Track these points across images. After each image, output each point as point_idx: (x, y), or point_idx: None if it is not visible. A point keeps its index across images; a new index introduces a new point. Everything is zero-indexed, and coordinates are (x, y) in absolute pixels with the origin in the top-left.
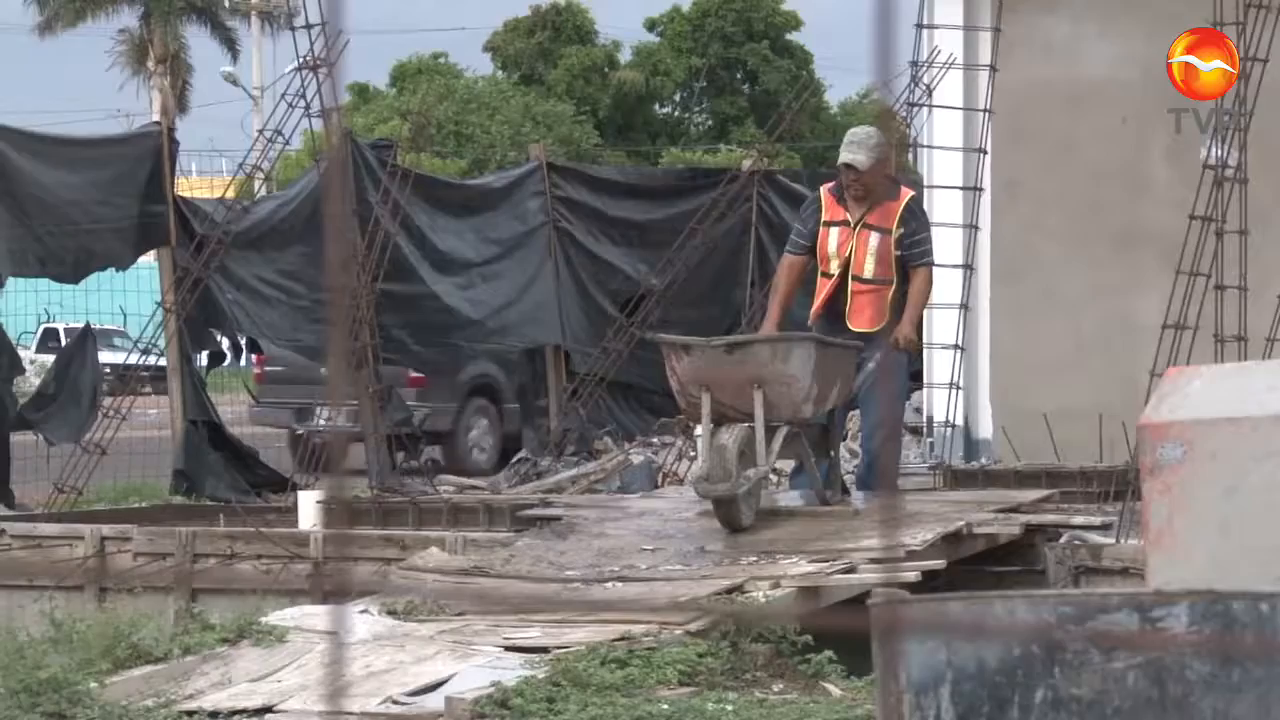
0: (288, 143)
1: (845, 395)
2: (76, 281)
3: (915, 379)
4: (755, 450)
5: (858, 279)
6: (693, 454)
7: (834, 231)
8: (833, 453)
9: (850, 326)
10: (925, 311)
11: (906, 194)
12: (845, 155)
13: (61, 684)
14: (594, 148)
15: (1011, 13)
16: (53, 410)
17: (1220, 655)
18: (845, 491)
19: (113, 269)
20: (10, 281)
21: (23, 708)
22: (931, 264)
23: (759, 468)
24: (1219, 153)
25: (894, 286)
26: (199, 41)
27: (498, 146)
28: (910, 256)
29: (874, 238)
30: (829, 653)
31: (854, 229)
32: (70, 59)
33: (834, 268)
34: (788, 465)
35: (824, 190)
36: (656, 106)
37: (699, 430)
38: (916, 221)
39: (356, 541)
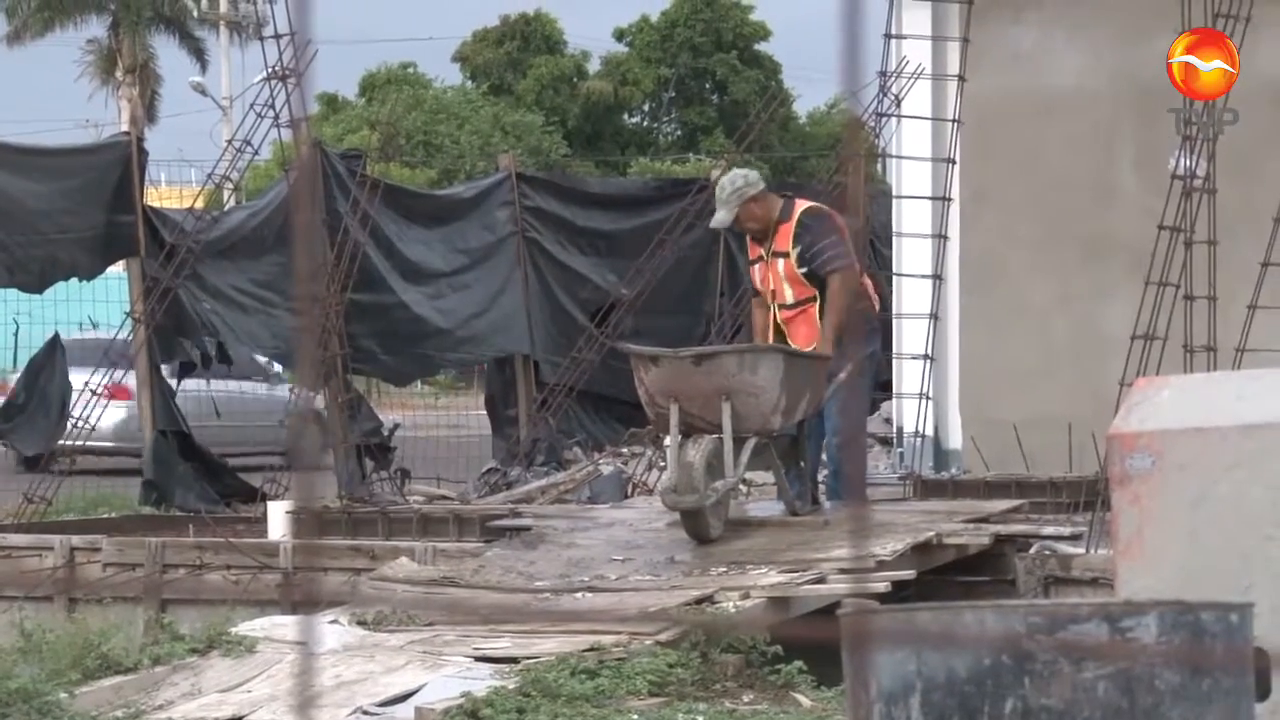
0: (256, 153)
1: (815, 406)
2: (41, 291)
3: (884, 389)
4: (723, 461)
5: (783, 306)
6: (662, 464)
7: (755, 269)
8: (802, 463)
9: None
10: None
11: (799, 208)
12: (712, 221)
13: (31, 694)
14: (563, 158)
15: (980, 23)
16: (21, 420)
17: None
18: (815, 502)
19: (79, 278)
20: None
21: None
22: (840, 268)
23: (727, 479)
24: (1187, 163)
25: (819, 300)
26: (167, 51)
27: (467, 156)
28: (816, 266)
29: (780, 263)
30: (799, 663)
31: (767, 260)
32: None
33: (768, 300)
34: (758, 476)
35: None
36: (625, 116)
37: (668, 440)
38: (810, 233)
39: (326, 551)
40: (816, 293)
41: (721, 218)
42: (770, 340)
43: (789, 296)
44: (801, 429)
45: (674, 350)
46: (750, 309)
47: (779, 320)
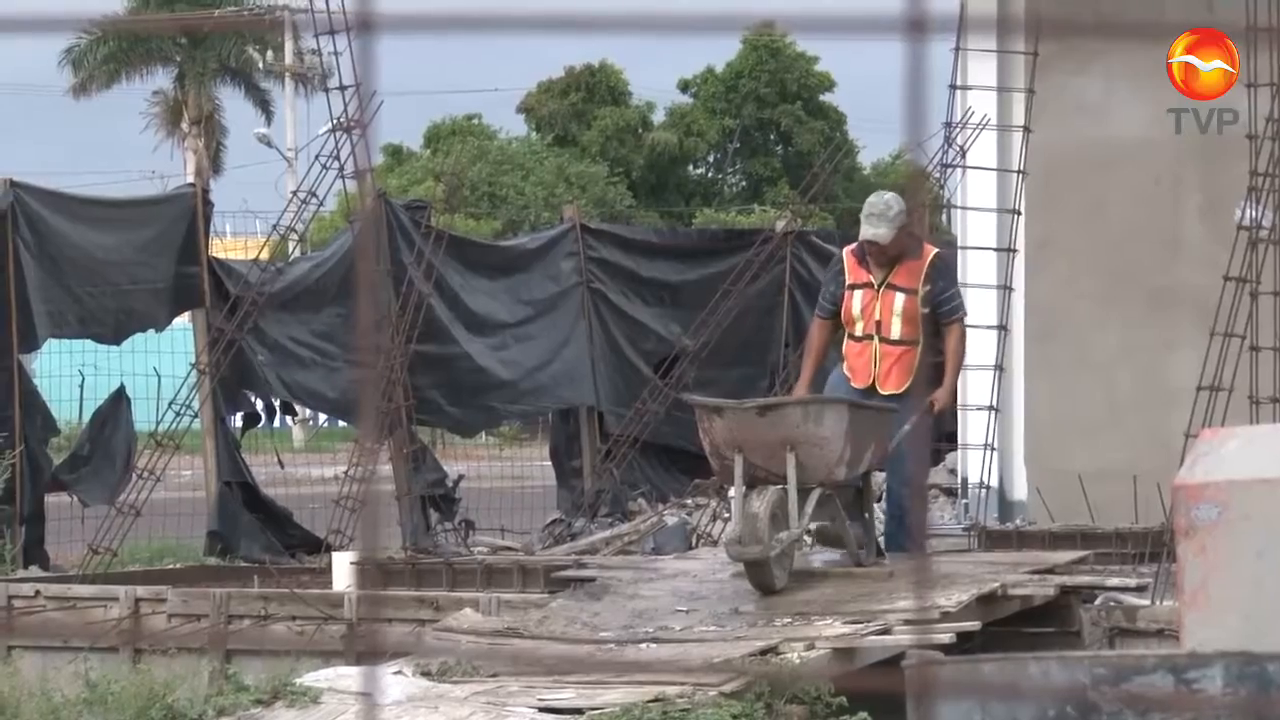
0: (321, 204)
1: (880, 458)
2: (118, 343)
3: (950, 439)
4: (788, 513)
5: (885, 340)
6: (726, 515)
7: (858, 294)
8: (866, 514)
9: (880, 389)
10: (960, 372)
11: (930, 251)
12: (867, 230)
13: None
14: (627, 209)
15: (1045, 74)
16: (87, 471)
17: (1256, 716)
18: (880, 554)
19: (155, 330)
20: (47, 343)
21: None
22: (964, 318)
23: (791, 530)
24: (1253, 213)
25: (920, 345)
26: (233, 103)
27: (531, 207)
28: (942, 313)
29: (899, 298)
30: (864, 714)
31: (878, 290)
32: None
33: (859, 330)
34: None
35: (846, 252)
36: (690, 167)
37: (732, 491)
38: (944, 279)
39: (390, 603)
40: (921, 338)
41: (883, 234)
42: (873, 370)
43: (896, 332)
44: (867, 480)
45: (738, 401)
46: (804, 345)
47: (878, 352)
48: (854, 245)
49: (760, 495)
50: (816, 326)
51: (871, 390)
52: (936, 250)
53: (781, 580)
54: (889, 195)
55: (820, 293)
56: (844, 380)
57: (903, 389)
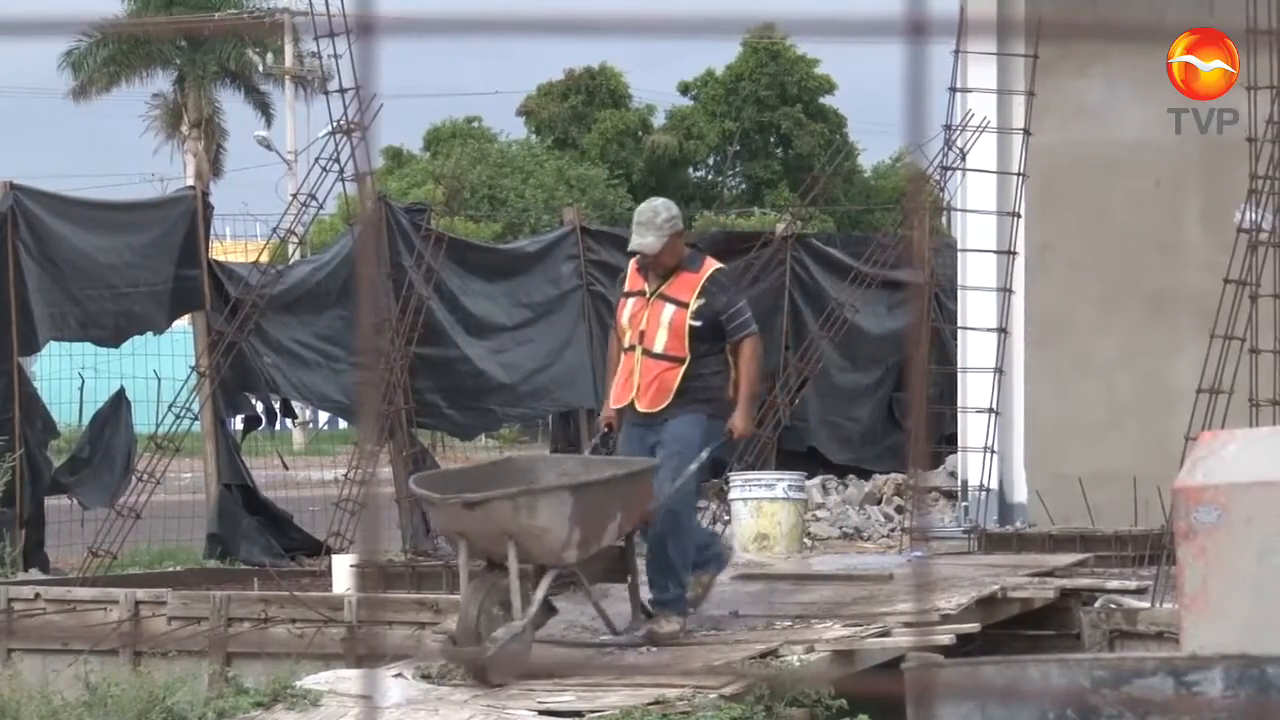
0: (321, 207)
1: (639, 519)
2: (117, 345)
3: (950, 442)
4: (524, 596)
5: (648, 353)
6: (726, 518)
7: (630, 303)
8: (630, 577)
9: (637, 406)
10: (757, 392)
11: (711, 265)
12: (634, 240)
13: None
14: (627, 211)
15: (1045, 77)
16: (87, 474)
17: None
18: (647, 614)
19: (155, 333)
20: (46, 346)
21: None
22: (754, 334)
23: (515, 623)
24: (1253, 216)
25: (686, 365)
26: (233, 106)
27: (531, 210)
28: (731, 329)
29: (668, 309)
30: (864, 717)
31: (649, 300)
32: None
33: (627, 340)
34: (820, 529)
35: (632, 262)
36: (690, 170)
37: (734, 494)
38: (725, 294)
39: (390, 605)
40: (688, 357)
41: (650, 243)
42: (634, 384)
43: (660, 345)
44: (630, 541)
45: (444, 495)
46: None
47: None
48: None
49: (480, 585)
50: (611, 344)
51: (629, 408)
52: (718, 265)
53: (508, 673)
54: (659, 202)
55: None
56: (625, 429)
57: (657, 409)
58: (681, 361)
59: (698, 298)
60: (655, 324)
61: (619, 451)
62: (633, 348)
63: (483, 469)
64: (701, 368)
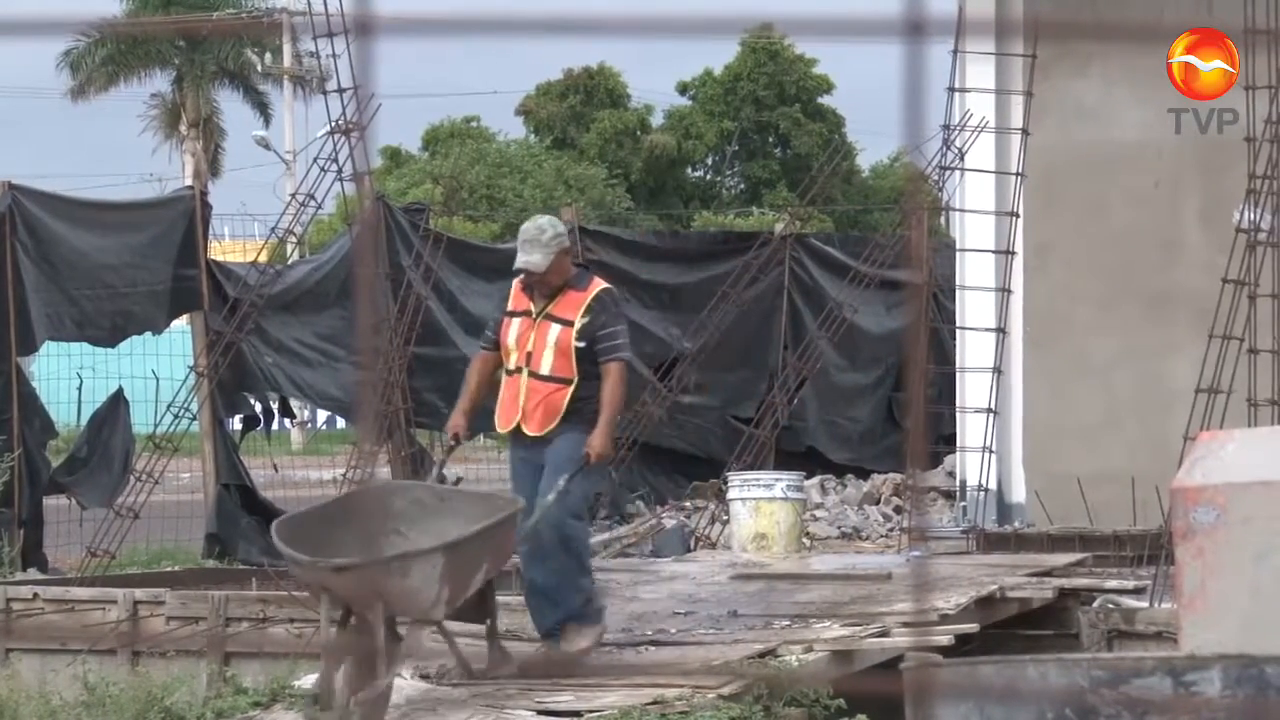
0: (320, 207)
1: (502, 563)
2: (113, 345)
3: (948, 442)
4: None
5: (535, 375)
6: (725, 518)
7: (515, 323)
8: (489, 620)
9: (525, 430)
10: (617, 417)
11: (597, 285)
12: (520, 258)
13: None
14: (626, 211)
15: (1043, 76)
16: (85, 474)
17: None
18: (506, 658)
19: (153, 333)
20: (44, 345)
21: None
22: (624, 360)
23: (378, 683)
24: (1252, 216)
25: (574, 386)
26: (231, 106)
27: (530, 210)
28: (600, 350)
29: (554, 329)
30: (862, 717)
31: (535, 320)
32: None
33: (512, 362)
34: (820, 529)
35: (515, 281)
36: (688, 170)
37: (733, 494)
38: (608, 314)
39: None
40: (575, 378)
41: (537, 261)
42: (520, 407)
43: (547, 366)
44: (489, 585)
45: (312, 559)
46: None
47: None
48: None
49: (343, 644)
50: (475, 359)
51: (516, 434)
52: (605, 286)
53: None
54: (544, 220)
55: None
56: (512, 454)
57: (544, 432)
58: (569, 383)
59: (582, 316)
60: (542, 345)
61: (511, 475)
62: (519, 369)
63: (337, 505)
64: (589, 389)
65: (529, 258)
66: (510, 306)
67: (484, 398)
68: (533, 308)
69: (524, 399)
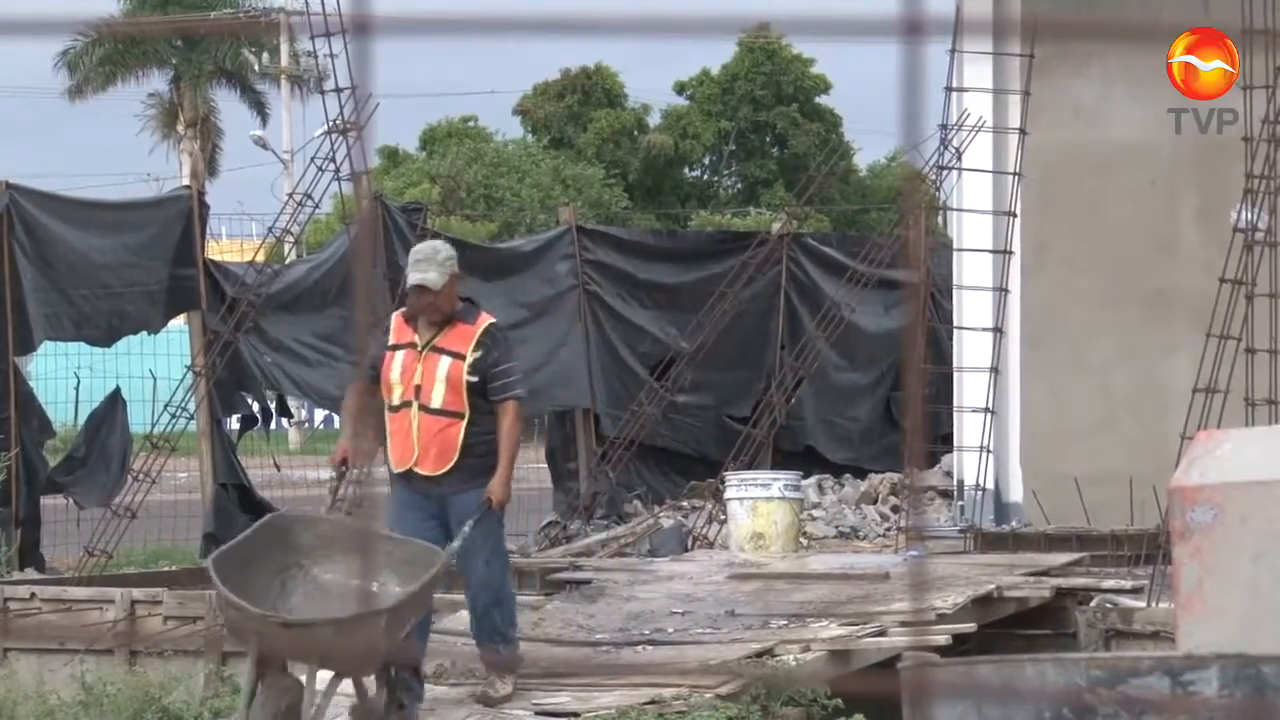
0: (317, 206)
1: (420, 615)
2: (109, 345)
3: (945, 441)
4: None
5: (425, 409)
6: (722, 518)
7: (399, 356)
8: (392, 669)
9: (418, 470)
10: (516, 458)
11: (486, 319)
12: (414, 275)
13: None
14: (623, 211)
15: (1041, 76)
16: (83, 474)
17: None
18: (401, 706)
19: (149, 333)
20: (42, 345)
21: None
22: (520, 399)
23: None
24: (1249, 216)
25: (466, 421)
26: (229, 105)
27: (527, 210)
28: (493, 388)
29: (444, 362)
30: (859, 716)
31: (421, 352)
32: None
33: (397, 397)
34: (816, 529)
35: (396, 314)
36: (686, 170)
37: (731, 494)
38: (500, 349)
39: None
40: (467, 413)
41: (434, 278)
42: (413, 445)
43: (438, 400)
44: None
45: (261, 611)
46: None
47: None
48: (404, 308)
49: (270, 693)
50: (351, 389)
51: (410, 474)
52: (493, 320)
53: None
54: (437, 243)
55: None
56: (402, 494)
57: (442, 471)
58: (461, 417)
59: (474, 350)
60: (431, 378)
61: (392, 515)
62: (406, 404)
63: (250, 541)
64: (483, 424)
65: (425, 275)
66: (393, 340)
67: (367, 426)
68: (417, 339)
69: (417, 434)
